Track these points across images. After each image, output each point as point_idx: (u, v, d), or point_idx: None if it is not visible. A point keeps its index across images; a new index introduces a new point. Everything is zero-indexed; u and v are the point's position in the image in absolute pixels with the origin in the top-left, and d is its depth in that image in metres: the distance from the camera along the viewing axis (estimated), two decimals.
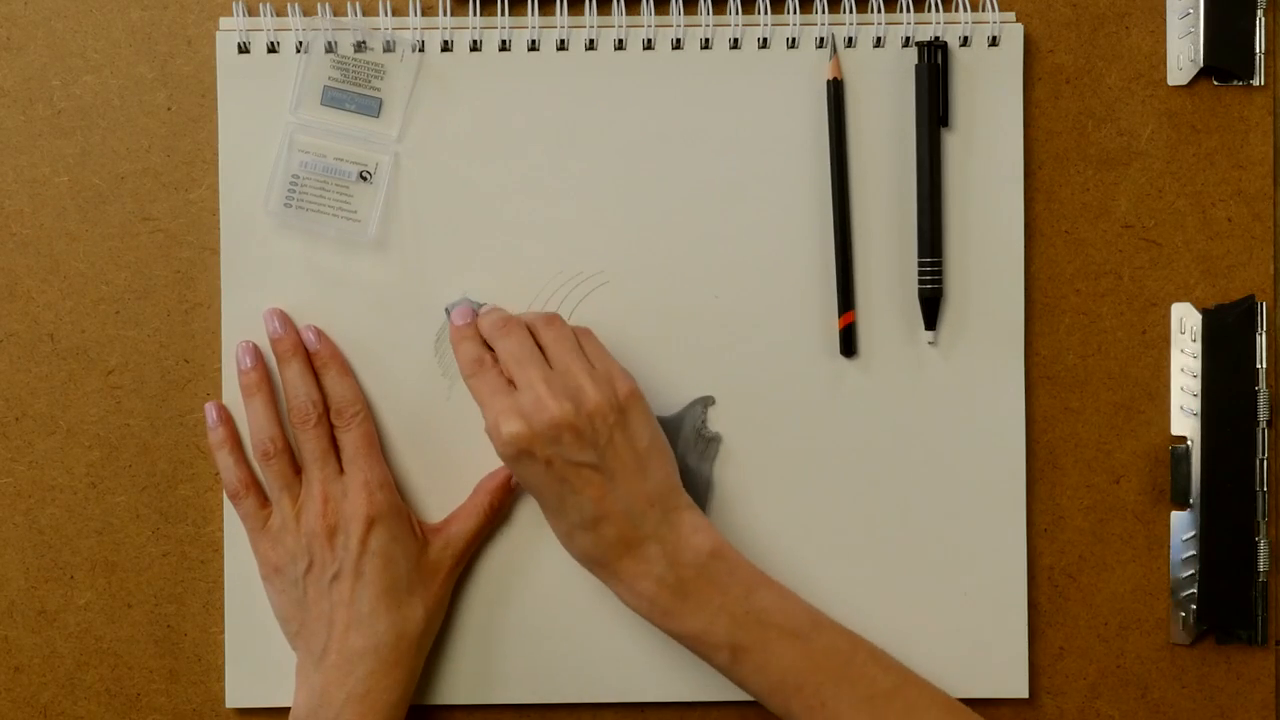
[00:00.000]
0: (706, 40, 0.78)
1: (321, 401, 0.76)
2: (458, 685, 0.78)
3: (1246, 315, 0.79)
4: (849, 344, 0.78)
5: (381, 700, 0.73)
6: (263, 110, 0.78)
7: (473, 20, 0.78)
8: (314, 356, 0.77)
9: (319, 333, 0.77)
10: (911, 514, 0.78)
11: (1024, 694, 0.79)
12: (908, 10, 0.78)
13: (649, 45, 0.78)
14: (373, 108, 0.78)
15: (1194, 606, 0.79)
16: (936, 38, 0.78)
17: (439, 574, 0.76)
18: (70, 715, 0.79)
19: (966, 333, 0.78)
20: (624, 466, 0.71)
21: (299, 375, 0.76)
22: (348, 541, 0.74)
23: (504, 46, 0.78)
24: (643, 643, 0.78)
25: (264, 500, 0.76)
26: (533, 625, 0.78)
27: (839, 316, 0.78)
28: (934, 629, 0.78)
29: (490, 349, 0.73)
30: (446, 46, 0.78)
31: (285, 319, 0.77)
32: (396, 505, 0.75)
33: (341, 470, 0.75)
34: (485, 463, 0.78)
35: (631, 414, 0.72)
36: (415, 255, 0.78)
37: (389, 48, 0.78)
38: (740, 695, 0.77)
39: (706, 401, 0.78)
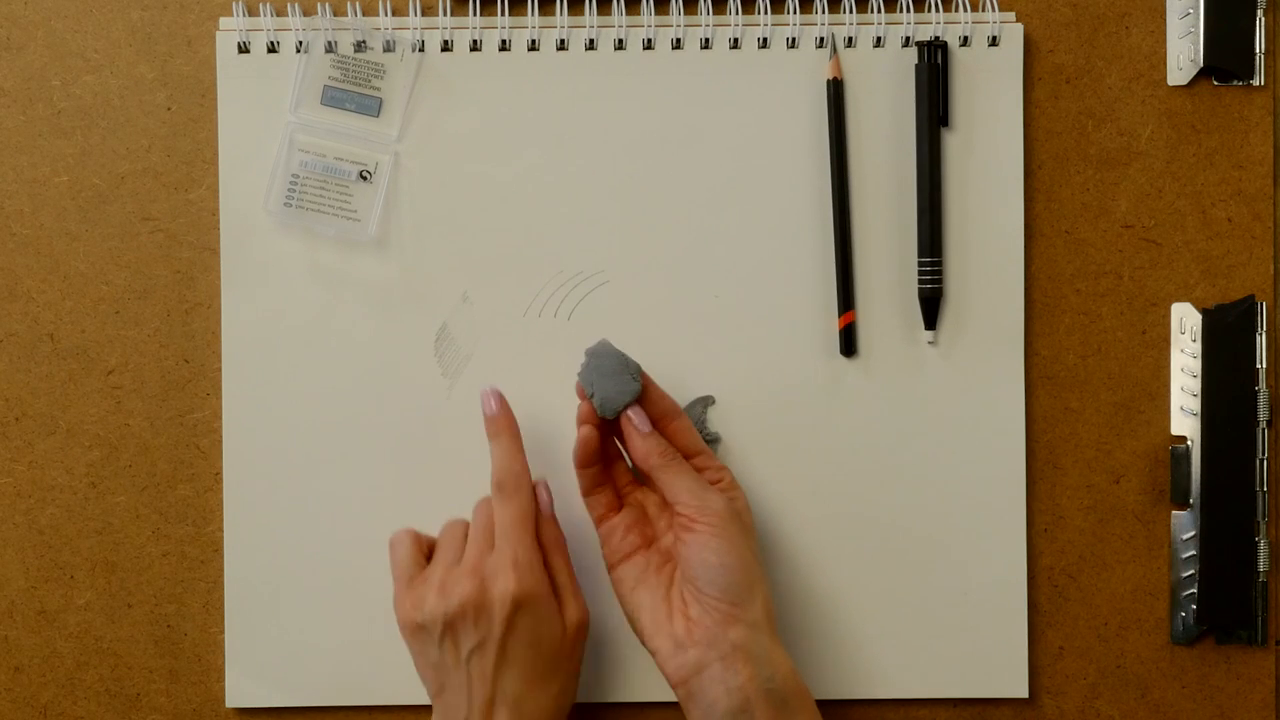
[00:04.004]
0: (706, 40, 0.78)
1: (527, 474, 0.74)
2: None
3: (1246, 315, 0.79)
4: (849, 344, 0.78)
5: None
6: (263, 110, 0.78)
7: (473, 20, 0.78)
8: (488, 422, 0.75)
9: (500, 399, 0.75)
10: (912, 514, 0.78)
11: (1024, 694, 0.79)
12: (908, 10, 0.78)
13: (649, 45, 0.78)
14: (373, 107, 0.78)
15: (1194, 606, 0.79)
16: (936, 38, 0.78)
17: (577, 648, 0.74)
18: (70, 715, 0.79)
19: (966, 333, 0.79)
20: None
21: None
22: (491, 621, 0.71)
23: (504, 46, 0.78)
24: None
25: (425, 559, 0.75)
26: None
27: (839, 316, 0.78)
28: (934, 629, 0.78)
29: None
30: (446, 46, 0.78)
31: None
32: (544, 585, 0.72)
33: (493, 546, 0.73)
34: (485, 462, 0.78)
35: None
36: (415, 255, 0.78)
37: (389, 48, 0.78)
38: None
39: (706, 401, 0.78)
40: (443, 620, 0.71)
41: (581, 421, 0.73)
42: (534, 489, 0.74)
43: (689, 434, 0.74)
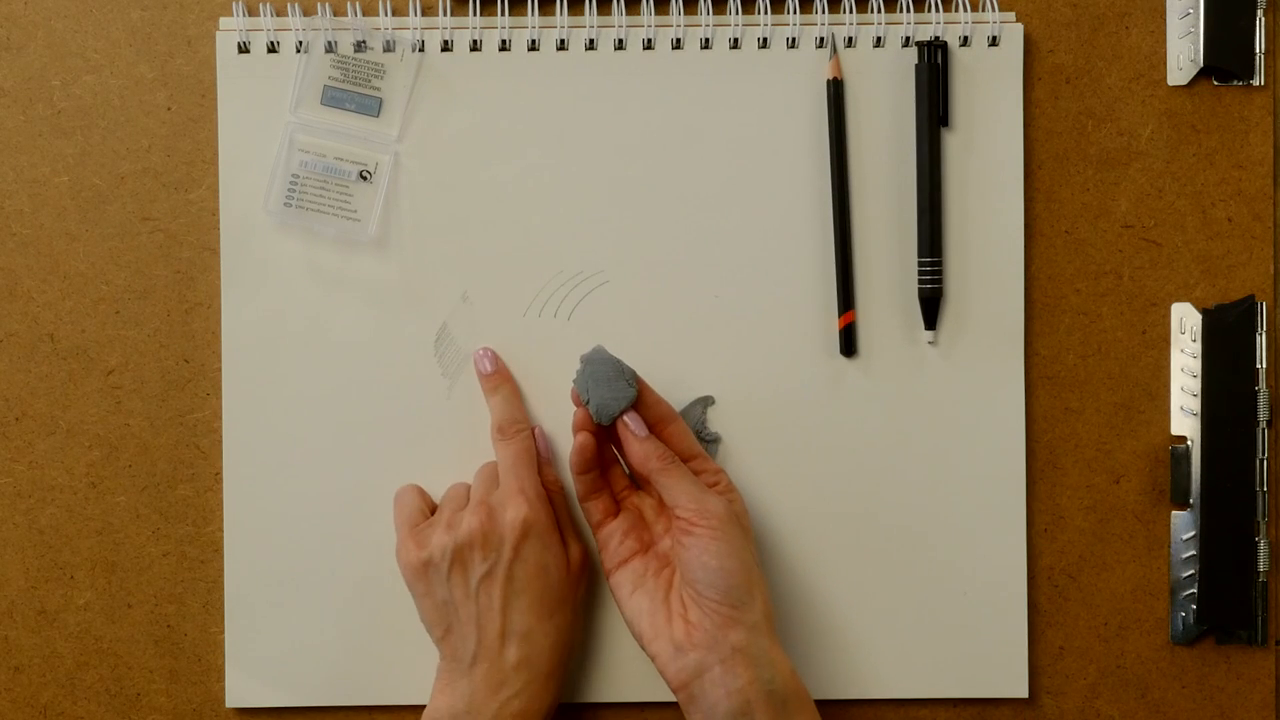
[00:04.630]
0: (706, 40, 0.78)
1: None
2: None
3: (1246, 315, 0.79)
4: (849, 344, 0.78)
5: (537, 711, 0.72)
6: (263, 110, 0.78)
7: (473, 20, 0.78)
8: (485, 379, 0.77)
9: (494, 357, 0.77)
10: (911, 514, 0.78)
11: (1024, 694, 0.79)
12: (908, 10, 0.78)
13: (649, 45, 0.78)
14: (373, 107, 0.78)
15: (1194, 606, 0.79)
16: (936, 38, 0.78)
17: (580, 584, 0.76)
18: (70, 715, 0.79)
19: (966, 333, 0.79)
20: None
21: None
22: (501, 546, 0.72)
23: (504, 46, 0.78)
24: None
25: (430, 513, 0.76)
26: None
27: (839, 316, 0.78)
28: (934, 629, 0.78)
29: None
30: (446, 46, 0.78)
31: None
32: (550, 517, 0.74)
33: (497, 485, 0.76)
34: (484, 462, 0.78)
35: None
36: (415, 255, 0.78)
37: (389, 48, 0.78)
38: None
39: (706, 401, 0.78)
40: (452, 550, 0.72)
41: (578, 428, 0.73)
42: (533, 434, 0.77)
43: (685, 438, 0.74)
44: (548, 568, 0.73)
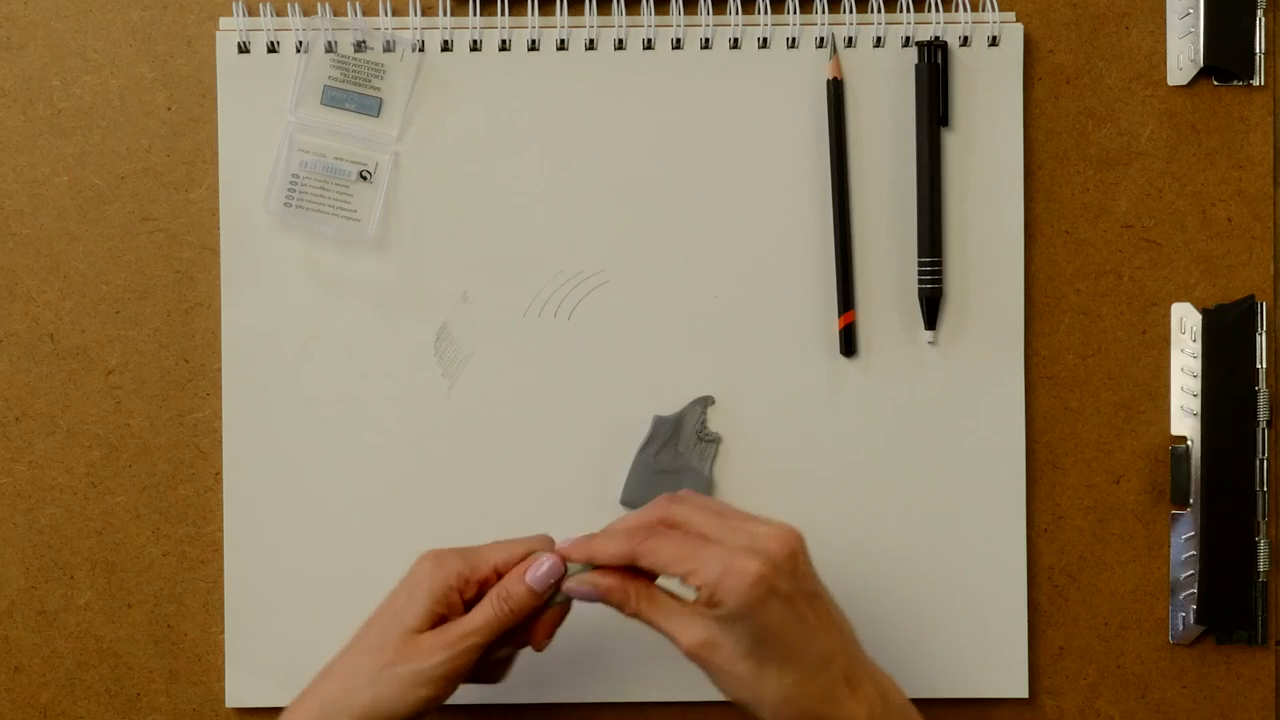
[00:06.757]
0: (706, 40, 0.78)
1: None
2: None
3: (1246, 315, 0.79)
4: (849, 344, 0.78)
5: None
6: (263, 110, 0.78)
7: (473, 20, 0.78)
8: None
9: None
10: (911, 514, 0.78)
11: (1024, 694, 0.79)
12: (908, 10, 0.78)
13: (649, 45, 0.78)
14: (373, 107, 0.78)
15: (1194, 606, 0.79)
16: (936, 38, 0.78)
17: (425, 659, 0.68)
18: (70, 715, 0.79)
19: (966, 333, 0.79)
20: (830, 601, 0.66)
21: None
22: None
23: (504, 46, 0.78)
24: (642, 643, 0.78)
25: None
26: None
27: (839, 316, 0.78)
28: (934, 629, 0.78)
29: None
30: (446, 46, 0.78)
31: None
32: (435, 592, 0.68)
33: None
34: (484, 462, 0.78)
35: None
36: (415, 255, 0.78)
37: (389, 48, 0.78)
38: None
39: (706, 401, 0.78)
40: None
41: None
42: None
43: (665, 538, 0.66)
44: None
